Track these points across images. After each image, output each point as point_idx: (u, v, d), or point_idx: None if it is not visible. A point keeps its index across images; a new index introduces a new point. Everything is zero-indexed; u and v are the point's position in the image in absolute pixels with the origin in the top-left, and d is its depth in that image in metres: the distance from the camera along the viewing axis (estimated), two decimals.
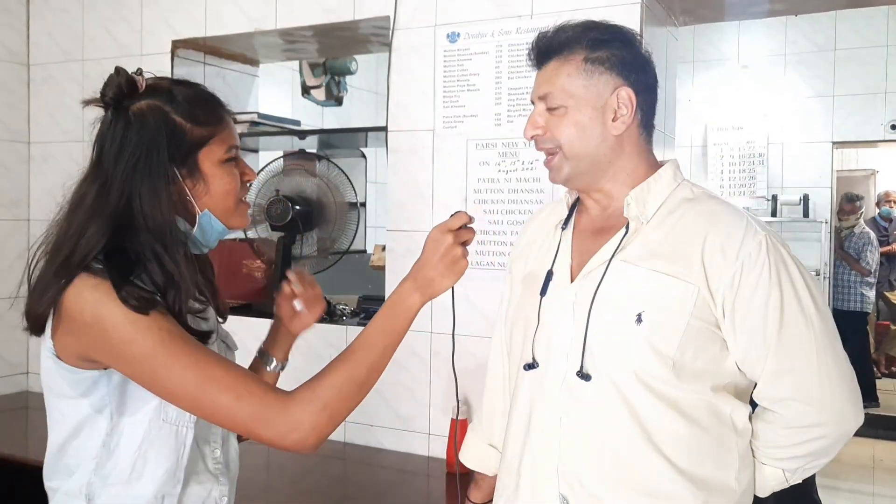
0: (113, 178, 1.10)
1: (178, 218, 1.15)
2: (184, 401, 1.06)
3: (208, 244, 1.22)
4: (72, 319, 1.05)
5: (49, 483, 1.17)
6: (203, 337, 1.12)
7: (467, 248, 1.16)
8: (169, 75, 2.65)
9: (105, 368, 1.09)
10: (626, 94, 1.17)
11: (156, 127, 1.11)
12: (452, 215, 1.17)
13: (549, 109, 1.20)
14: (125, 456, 1.11)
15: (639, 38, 1.24)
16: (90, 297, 1.03)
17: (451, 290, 1.16)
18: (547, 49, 1.21)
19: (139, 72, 1.15)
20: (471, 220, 1.17)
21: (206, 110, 1.16)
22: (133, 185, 1.09)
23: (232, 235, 2.38)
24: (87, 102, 1.15)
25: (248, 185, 1.22)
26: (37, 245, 1.13)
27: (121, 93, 1.12)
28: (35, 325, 1.10)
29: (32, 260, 1.12)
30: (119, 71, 1.13)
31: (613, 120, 1.18)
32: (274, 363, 1.39)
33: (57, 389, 1.13)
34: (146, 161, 1.10)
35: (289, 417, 1.05)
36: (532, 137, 1.22)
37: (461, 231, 1.16)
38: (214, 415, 1.07)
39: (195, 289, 1.14)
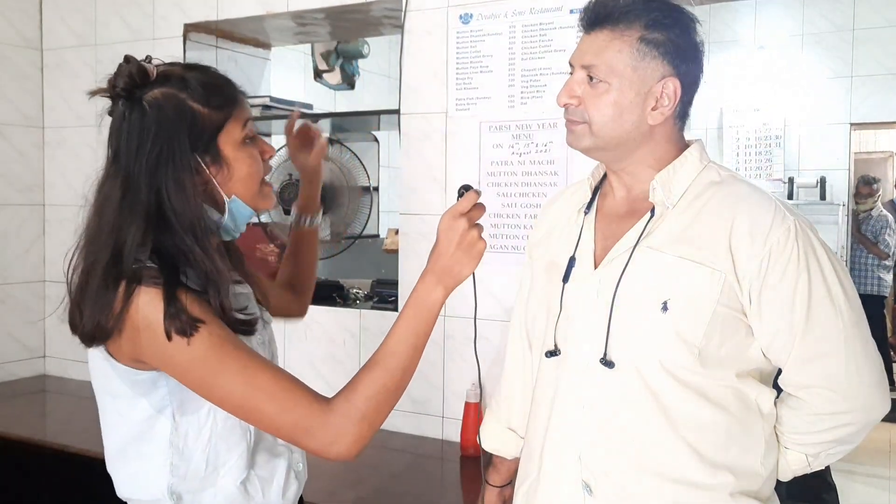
0: (138, 174, 1.06)
1: (208, 207, 1.13)
2: (230, 407, 1.06)
3: (238, 230, 1.20)
4: (125, 325, 1.03)
5: (121, 490, 1.17)
6: (250, 325, 1.12)
7: (481, 225, 1.11)
8: (181, 59, 2.66)
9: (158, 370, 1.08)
10: (673, 85, 1.12)
11: (174, 115, 1.08)
12: (460, 195, 1.11)
13: (590, 81, 1.14)
14: (196, 453, 1.11)
15: (698, 23, 1.17)
16: (142, 301, 1.02)
17: (472, 276, 1.12)
18: (603, 16, 1.13)
19: (148, 59, 1.12)
20: (479, 196, 1.11)
21: (220, 93, 1.13)
22: (159, 179, 1.06)
23: None
24: (94, 93, 1.11)
25: (269, 163, 1.20)
26: (72, 251, 1.10)
27: (133, 82, 1.08)
28: (98, 337, 1.06)
29: (69, 266, 1.10)
30: (129, 59, 1.09)
31: (653, 109, 1.13)
32: (310, 219, 1.53)
33: (113, 390, 1.12)
34: (168, 152, 1.07)
35: (330, 430, 1.05)
36: (565, 105, 1.17)
37: (472, 211, 1.10)
38: (259, 422, 1.07)
39: (232, 280, 1.13)
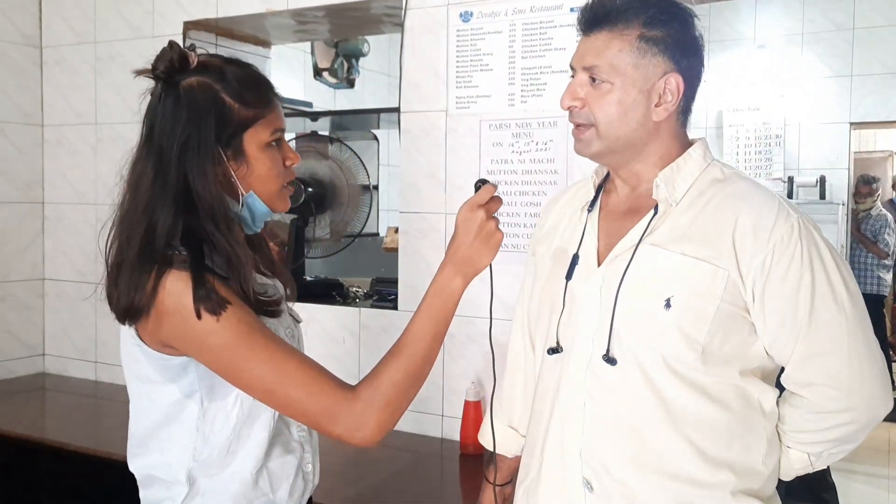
0: (168, 156, 1.09)
1: (229, 199, 1.15)
2: (258, 392, 1.09)
3: (255, 226, 1.22)
4: (154, 308, 1.06)
5: (138, 468, 1.20)
6: (272, 306, 1.14)
7: (497, 218, 1.14)
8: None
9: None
10: (676, 81, 1.13)
11: (205, 105, 1.11)
12: (477, 188, 1.14)
13: (592, 82, 1.14)
14: (221, 440, 1.14)
15: (696, 18, 1.17)
16: (172, 287, 1.04)
17: (489, 266, 1.15)
18: (602, 16, 1.14)
19: (192, 47, 1.15)
20: (496, 189, 1.14)
21: (255, 92, 1.16)
22: (185, 164, 1.09)
23: None
24: (138, 73, 1.15)
25: (291, 168, 1.21)
26: (109, 229, 1.13)
27: (172, 67, 1.11)
28: (131, 315, 1.09)
29: (107, 243, 1.13)
30: (172, 45, 1.13)
31: (657, 105, 1.13)
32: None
33: (144, 375, 1.15)
34: (196, 139, 1.09)
35: (354, 417, 1.08)
36: (568, 108, 1.17)
37: (489, 203, 1.13)
38: (286, 408, 1.11)
39: (253, 268, 1.15)
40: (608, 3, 1.14)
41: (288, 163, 1.20)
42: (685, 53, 1.14)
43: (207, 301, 1.04)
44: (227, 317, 1.05)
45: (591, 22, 1.15)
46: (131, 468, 1.21)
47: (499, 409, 1.44)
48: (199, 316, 1.03)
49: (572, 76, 1.18)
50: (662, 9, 1.13)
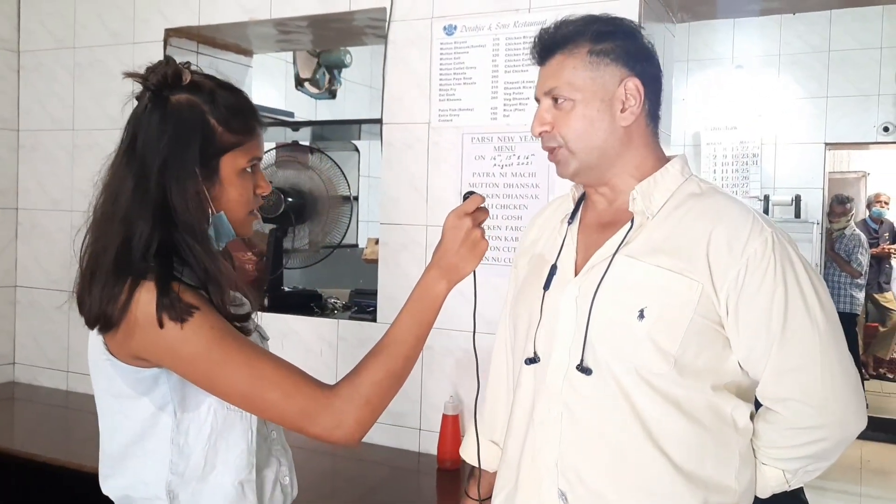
0: (150, 169, 1.09)
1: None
2: (235, 398, 1.09)
3: (218, 245, 1.21)
4: (125, 320, 1.05)
5: (113, 490, 1.17)
6: (244, 320, 1.14)
7: (483, 227, 1.17)
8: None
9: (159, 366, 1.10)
10: (634, 84, 1.16)
11: (191, 124, 1.11)
12: (465, 198, 1.16)
13: (556, 104, 1.18)
14: (196, 450, 1.13)
15: (641, 29, 1.23)
16: (143, 297, 1.04)
17: (472, 273, 1.17)
18: (550, 44, 1.20)
19: (187, 64, 1.16)
20: (483, 200, 1.17)
21: (242, 120, 1.17)
22: (166, 178, 1.09)
23: None
24: (127, 75, 1.15)
25: (260, 197, 1.22)
26: (84, 233, 1.13)
27: (164, 82, 1.12)
28: (102, 324, 1.08)
29: (82, 246, 1.12)
30: (169, 60, 1.14)
31: (622, 111, 1.16)
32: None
33: (115, 390, 1.13)
34: (179, 156, 1.10)
35: (334, 415, 1.08)
36: (540, 134, 1.21)
37: (476, 213, 1.16)
38: (264, 411, 1.10)
39: (233, 281, 1.15)
40: (553, 31, 1.20)
41: (258, 191, 1.21)
42: (637, 59, 1.18)
43: (171, 309, 1.03)
44: (198, 324, 1.04)
45: (542, 52, 1.21)
46: (105, 491, 1.19)
47: (481, 423, 1.43)
48: (160, 324, 1.03)
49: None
50: (606, 23, 1.20)
